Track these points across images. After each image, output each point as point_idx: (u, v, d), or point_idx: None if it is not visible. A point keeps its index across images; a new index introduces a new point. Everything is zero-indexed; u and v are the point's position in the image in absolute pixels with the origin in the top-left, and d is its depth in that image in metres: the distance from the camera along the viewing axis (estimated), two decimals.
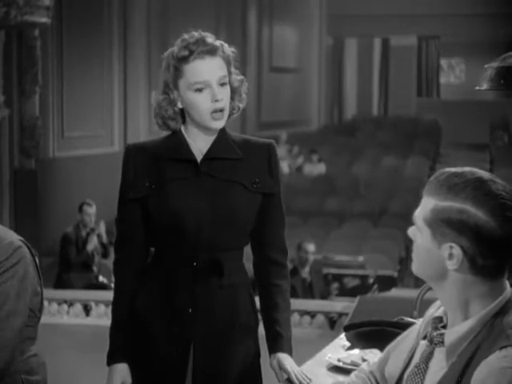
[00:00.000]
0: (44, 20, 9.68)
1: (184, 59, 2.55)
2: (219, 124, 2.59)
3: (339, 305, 6.55)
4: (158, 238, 2.67)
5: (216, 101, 2.55)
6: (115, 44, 13.02)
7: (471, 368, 1.78)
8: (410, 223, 1.92)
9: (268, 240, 2.71)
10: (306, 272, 8.10)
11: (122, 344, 2.71)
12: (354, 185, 13.91)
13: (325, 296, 8.23)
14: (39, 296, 2.97)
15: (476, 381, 1.75)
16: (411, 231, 1.92)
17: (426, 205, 1.86)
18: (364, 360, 2.57)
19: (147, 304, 2.68)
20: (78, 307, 6.54)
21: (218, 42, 2.61)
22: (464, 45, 20.78)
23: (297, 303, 6.59)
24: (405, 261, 10.54)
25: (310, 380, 2.60)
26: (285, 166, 15.31)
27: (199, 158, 2.63)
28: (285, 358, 2.65)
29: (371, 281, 8.98)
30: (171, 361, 2.65)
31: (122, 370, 2.70)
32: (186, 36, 2.58)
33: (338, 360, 2.70)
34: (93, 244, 9.06)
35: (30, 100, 11.20)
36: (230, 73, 2.63)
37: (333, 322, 6.23)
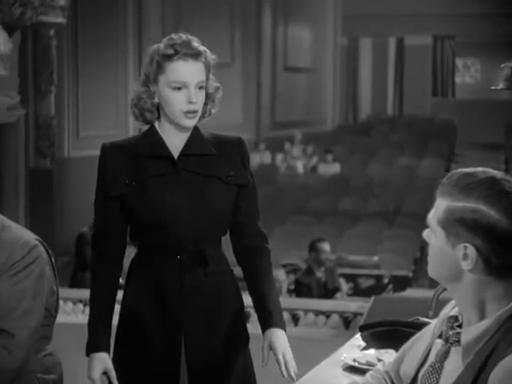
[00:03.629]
0: (59, 20, 9.72)
1: (168, 57, 2.66)
2: (191, 122, 2.70)
3: (354, 305, 6.54)
4: (142, 234, 2.76)
5: (191, 102, 2.66)
6: (130, 44, 13.05)
7: (488, 368, 1.77)
8: (425, 223, 1.92)
9: (246, 228, 2.81)
10: (320, 271, 8.09)
11: (102, 335, 2.79)
12: (369, 185, 13.89)
13: (339, 296, 8.21)
14: (55, 295, 2.98)
15: (493, 382, 1.75)
16: (426, 234, 1.92)
17: (439, 206, 1.86)
18: (379, 360, 2.57)
19: (137, 298, 2.79)
20: None
21: (202, 48, 2.71)
22: (479, 44, 20.70)
23: (312, 303, 6.60)
24: (419, 261, 10.51)
25: (294, 375, 2.65)
26: (299, 166, 15.30)
27: (176, 154, 2.72)
28: (276, 337, 2.70)
29: (386, 281, 8.97)
30: (164, 350, 2.72)
31: (103, 357, 2.77)
32: (174, 36, 2.70)
33: (354, 360, 2.70)
34: None
35: (45, 100, 11.24)
36: (207, 78, 2.73)
37: (348, 322, 6.22)
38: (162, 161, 2.72)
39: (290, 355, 2.70)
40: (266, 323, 2.75)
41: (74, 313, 6.61)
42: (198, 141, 2.75)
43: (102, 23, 12.40)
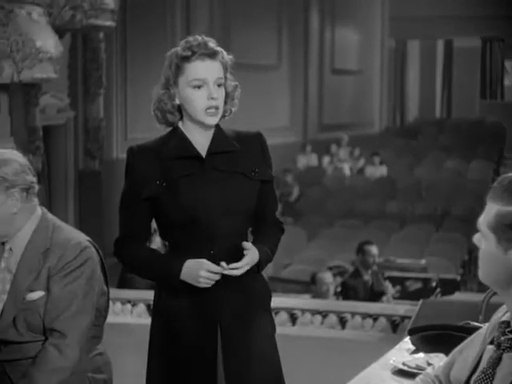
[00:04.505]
0: (109, 23, 9.78)
1: (186, 58, 2.76)
2: (213, 120, 2.80)
3: (401, 308, 6.48)
4: (174, 232, 2.83)
5: (212, 98, 2.76)
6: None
7: None
8: (473, 227, 1.91)
9: (266, 219, 2.95)
10: (368, 274, 8.06)
11: (168, 258, 2.84)
12: (416, 188, 13.81)
13: (385, 299, 8.17)
14: (105, 296, 3.02)
15: None
16: (476, 238, 1.91)
17: (490, 211, 1.85)
18: (429, 364, 2.56)
19: (171, 294, 2.83)
20: (142, 307, 6.61)
21: (218, 48, 2.81)
22: None
23: (359, 306, 6.56)
24: (468, 264, 10.42)
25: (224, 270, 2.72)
26: (346, 168, 15.25)
27: (202, 153, 2.82)
28: (254, 252, 2.78)
29: (434, 284, 8.89)
30: (201, 339, 2.81)
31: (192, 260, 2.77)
32: (190, 38, 2.81)
33: (403, 364, 2.70)
34: (156, 244, 9.13)
35: (94, 102, 11.35)
36: (225, 77, 2.82)
37: (395, 326, 6.17)
38: (190, 161, 2.81)
39: (244, 268, 2.76)
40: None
41: (122, 313, 6.66)
42: (222, 138, 2.85)
43: (150, 27, 12.48)
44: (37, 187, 2.94)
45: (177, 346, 2.84)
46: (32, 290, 2.85)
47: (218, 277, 2.74)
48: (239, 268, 2.74)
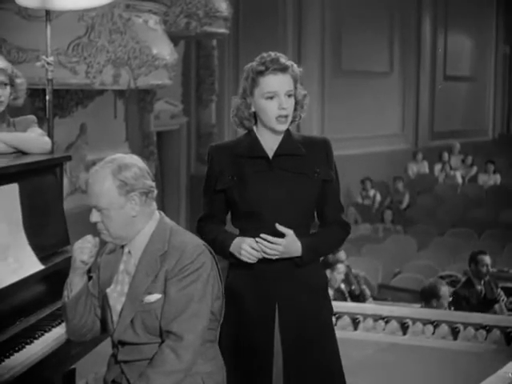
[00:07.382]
0: (222, 30, 9.92)
1: (260, 73, 3.13)
2: (283, 127, 3.16)
3: None
4: (242, 220, 3.21)
5: (282, 108, 3.12)
6: (289, 54, 13.18)
7: None
8: None
9: (329, 216, 3.26)
10: (480, 284, 7.91)
11: (226, 233, 3.21)
12: None
13: (497, 307, 8.01)
14: (220, 300, 3.05)
15: None
16: None
17: None
18: None
19: (237, 276, 3.20)
20: None
21: (289, 63, 3.17)
22: None
23: (472, 316, 6.44)
24: None
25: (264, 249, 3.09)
26: (458, 176, 15.03)
27: (270, 154, 3.19)
28: (293, 242, 3.11)
29: None
30: (261, 318, 3.15)
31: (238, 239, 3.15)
32: (264, 55, 3.18)
33: None
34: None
35: (206, 108, 11.52)
36: (295, 88, 3.18)
37: (509, 338, 6.04)
38: (259, 160, 3.18)
39: (277, 251, 3.09)
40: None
41: None
42: (290, 143, 3.20)
43: (262, 34, 12.57)
44: (155, 191, 3.00)
45: (240, 321, 3.16)
46: (150, 293, 2.91)
47: (259, 255, 3.09)
48: (272, 245, 3.06)
